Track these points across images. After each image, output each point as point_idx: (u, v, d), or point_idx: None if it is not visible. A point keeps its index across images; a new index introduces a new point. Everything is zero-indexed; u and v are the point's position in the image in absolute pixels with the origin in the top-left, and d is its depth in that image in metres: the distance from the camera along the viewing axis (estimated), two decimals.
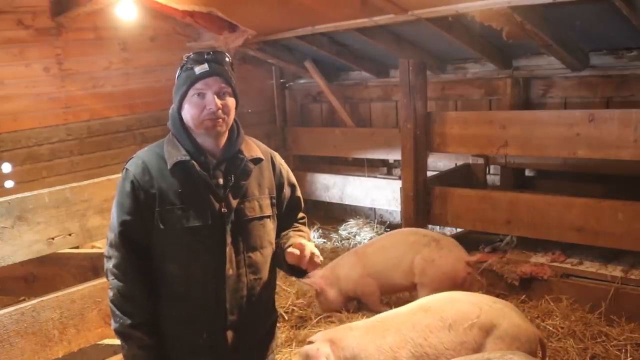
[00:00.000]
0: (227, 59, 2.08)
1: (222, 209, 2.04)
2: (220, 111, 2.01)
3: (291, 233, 2.24)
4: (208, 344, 2.08)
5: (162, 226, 2.02)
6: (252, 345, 2.17)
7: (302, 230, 2.29)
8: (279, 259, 2.20)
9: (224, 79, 2.03)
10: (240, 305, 2.09)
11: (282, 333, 4.04)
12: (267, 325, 2.25)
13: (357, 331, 2.89)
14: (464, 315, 2.89)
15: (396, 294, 4.51)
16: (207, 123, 2.02)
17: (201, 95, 2.02)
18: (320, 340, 2.82)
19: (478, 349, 2.81)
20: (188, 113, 2.05)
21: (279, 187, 2.23)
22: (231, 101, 2.07)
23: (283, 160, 2.32)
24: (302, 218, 2.39)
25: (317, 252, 2.05)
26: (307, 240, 2.13)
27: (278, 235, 2.26)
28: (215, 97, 2.01)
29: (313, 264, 2.05)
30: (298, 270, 2.14)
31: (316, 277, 4.21)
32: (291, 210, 2.30)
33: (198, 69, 2.01)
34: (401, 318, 2.96)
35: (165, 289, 2.08)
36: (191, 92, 2.03)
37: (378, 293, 4.29)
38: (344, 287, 4.29)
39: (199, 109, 2.01)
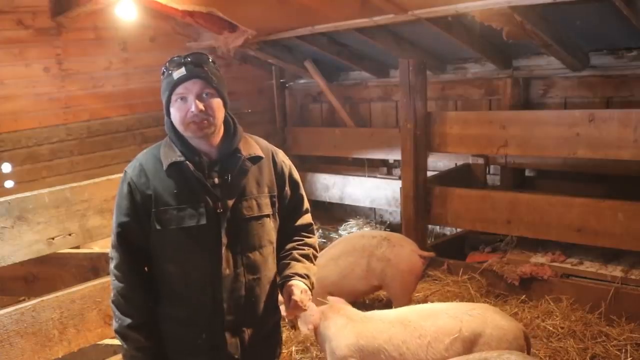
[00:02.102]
0: (208, 60, 2.06)
1: (218, 209, 2.04)
2: (202, 113, 1.99)
3: (294, 255, 2.21)
4: (208, 345, 2.08)
5: (158, 227, 2.02)
6: (255, 345, 2.15)
7: (305, 250, 2.25)
8: (279, 272, 2.21)
9: (204, 80, 2.01)
10: (238, 305, 2.08)
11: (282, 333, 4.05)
12: (269, 325, 2.23)
13: (339, 319, 3.06)
14: (445, 331, 2.91)
15: (362, 298, 4.46)
16: (192, 127, 2.01)
17: (183, 99, 2.01)
18: (319, 310, 3.10)
19: None
20: (174, 118, 2.05)
21: (280, 184, 2.21)
22: (216, 101, 2.04)
23: (286, 158, 2.29)
24: (310, 225, 2.33)
25: (304, 298, 2.07)
26: (300, 280, 2.12)
27: (281, 240, 2.24)
28: (196, 99, 2.00)
29: (294, 309, 2.08)
30: None
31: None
32: (293, 209, 2.28)
33: (176, 74, 2.00)
34: (379, 327, 3.01)
35: (165, 289, 2.09)
36: (173, 97, 2.03)
37: None
38: None
39: (183, 113, 2.01)
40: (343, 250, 4.22)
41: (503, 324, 2.92)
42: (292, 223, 2.28)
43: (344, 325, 3.02)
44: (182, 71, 1.99)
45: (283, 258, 2.22)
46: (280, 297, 2.20)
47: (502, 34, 4.20)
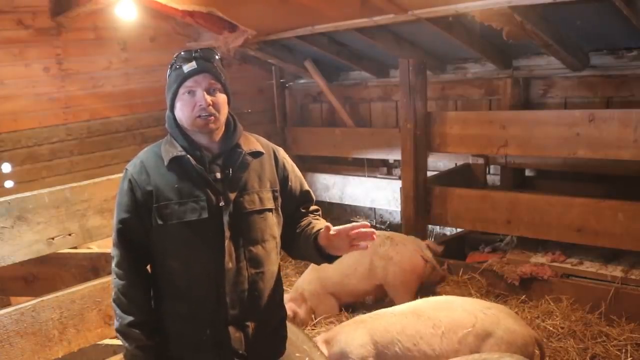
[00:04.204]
0: (216, 56, 2.09)
1: (220, 203, 2.04)
2: (210, 107, 2.02)
3: (314, 222, 2.22)
4: (212, 341, 2.07)
5: (160, 222, 2.02)
6: (260, 341, 2.14)
7: (321, 220, 2.26)
8: (302, 247, 2.19)
9: (213, 75, 2.04)
10: (241, 299, 2.07)
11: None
12: (274, 321, 2.22)
13: (347, 327, 3.05)
14: (459, 323, 2.90)
15: (363, 298, 4.48)
16: (199, 121, 2.02)
17: (191, 92, 2.03)
18: (320, 339, 3.01)
19: None
20: (180, 111, 2.06)
21: (284, 180, 2.22)
22: (222, 97, 2.07)
23: (287, 155, 2.30)
24: (317, 211, 2.35)
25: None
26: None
27: (292, 227, 2.23)
28: (205, 93, 2.02)
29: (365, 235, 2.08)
30: (327, 256, 2.13)
31: (286, 302, 4.14)
32: (302, 204, 2.29)
33: (186, 67, 2.02)
34: (391, 319, 3.00)
35: (167, 285, 2.09)
36: (181, 90, 2.04)
37: (335, 311, 4.27)
38: (311, 304, 4.25)
39: (190, 106, 2.03)
40: None
41: (515, 328, 2.90)
42: (301, 210, 2.28)
43: (354, 329, 3.00)
44: (192, 65, 2.02)
45: (303, 229, 2.20)
46: (285, 296, 2.19)
47: (502, 34, 4.20)
